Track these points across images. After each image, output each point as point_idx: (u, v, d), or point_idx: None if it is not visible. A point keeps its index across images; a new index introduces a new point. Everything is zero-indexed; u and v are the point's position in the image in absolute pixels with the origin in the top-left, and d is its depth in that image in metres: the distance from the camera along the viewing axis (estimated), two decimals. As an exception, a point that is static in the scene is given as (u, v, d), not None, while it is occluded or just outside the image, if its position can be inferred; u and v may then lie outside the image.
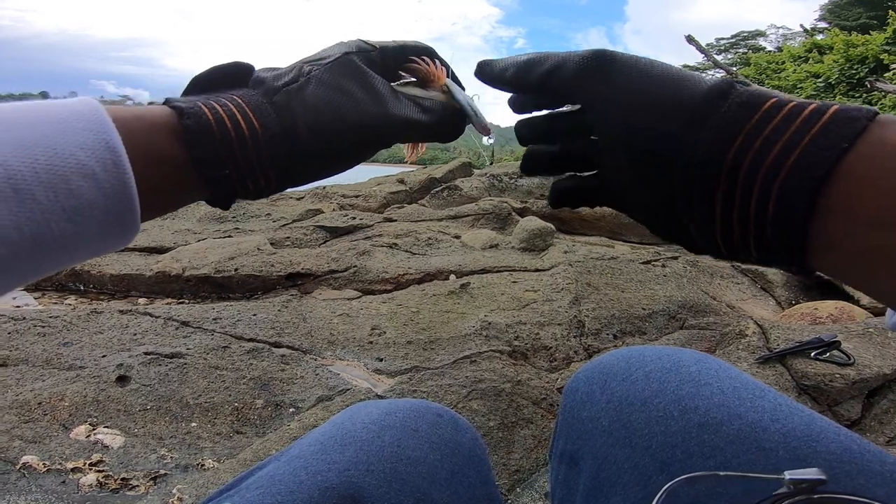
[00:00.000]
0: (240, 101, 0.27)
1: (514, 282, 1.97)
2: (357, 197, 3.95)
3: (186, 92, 0.28)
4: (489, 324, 1.48)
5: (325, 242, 2.63)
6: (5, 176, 0.19)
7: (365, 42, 0.32)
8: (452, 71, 0.36)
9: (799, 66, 9.72)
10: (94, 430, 1.05)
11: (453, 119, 0.34)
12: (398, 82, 0.34)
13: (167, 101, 0.26)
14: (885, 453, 0.29)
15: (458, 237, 2.76)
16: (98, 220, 0.22)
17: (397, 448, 0.37)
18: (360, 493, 0.33)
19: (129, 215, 0.23)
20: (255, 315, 1.50)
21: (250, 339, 1.32)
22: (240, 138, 0.26)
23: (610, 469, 0.35)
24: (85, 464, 0.95)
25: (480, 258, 2.31)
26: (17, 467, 0.92)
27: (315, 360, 1.27)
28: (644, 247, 2.76)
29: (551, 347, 1.50)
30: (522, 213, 3.22)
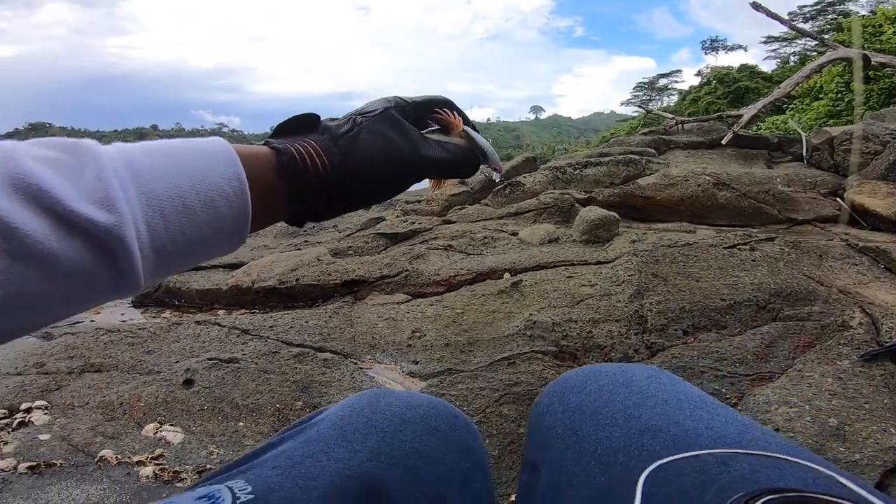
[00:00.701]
0: (315, 144, 0.34)
1: (570, 277, 1.84)
2: (419, 202, 4.02)
3: (274, 135, 0.36)
4: (534, 323, 1.39)
5: (385, 249, 2.69)
6: (179, 194, 0.27)
7: (401, 98, 0.40)
8: (468, 119, 0.44)
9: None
10: (160, 427, 1.16)
11: (470, 159, 0.42)
12: (427, 130, 0.41)
13: (267, 143, 0.34)
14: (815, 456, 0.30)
15: (515, 234, 2.67)
16: (227, 231, 0.30)
17: (419, 444, 0.38)
18: (381, 485, 0.34)
19: (244, 228, 0.31)
20: (306, 322, 1.57)
21: (298, 345, 1.38)
22: (316, 172, 0.33)
23: (561, 473, 0.36)
24: (148, 457, 1.05)
25: (537, 254, 2.20)
26: (95, 460, 1.04)
27: (354, 363, 1.28)
28: (732, 230, 2.44)
29: (605, 346, 1.37)
30: (587, 204, 3.03)
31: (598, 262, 2.03)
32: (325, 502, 0.31)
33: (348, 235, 3.06)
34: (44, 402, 1.25)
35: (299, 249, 2.74)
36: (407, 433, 0.38)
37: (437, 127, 0.42)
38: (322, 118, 0.38)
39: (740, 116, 3.83)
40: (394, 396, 0.43)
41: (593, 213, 2.42)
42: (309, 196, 0.33)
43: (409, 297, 1.88)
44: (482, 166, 0.44)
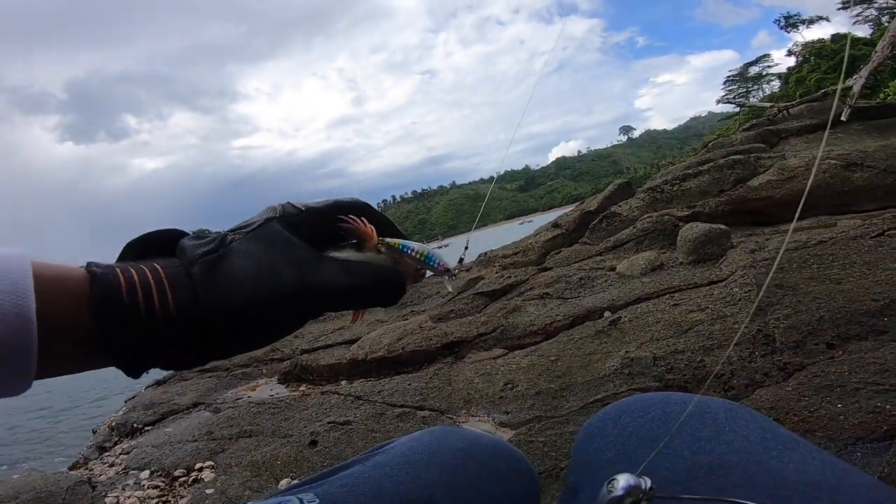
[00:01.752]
0: (159, 269, 0.26)
1: (675, 305, 1.68)
2: (516, 254, 4.04)
3: (120, 257, 0.29)
4: (631, 360, 1.29)
5: (485, 308, 2.75)
6: None
7: (293, 205, 0.32)
8: (392, 223, 0.35)
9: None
10: (291, 482, 1.33)
11: (389, 279, 0.32)
12: (338, 245, 0.33)
13: (89, 265, 0.26)
14: None
15: (613, 269, 2.53)
16: None
17: (478, 481, 0.38)
18: None
19: (24, 365, 0.23)
20: (409, 385, 1.67)
21: (401, 406, 1.48)
22: (149, 309, 0.25)
23: None
24: None
25: (637, 286, 2.06)
26: None
27: (451, 418, 1.32)
28: (878, 214, 2.03)
29: (723, 374, 1.20)
30: (690, 220, 2.77)
31: (710, 283, 1.83)
32: None
33: (450, 300, 3.19)
34: (211, 463, 1.52)
35: (405, 319, 2.94)
36: (469, 468, 0.39)
37: (350, 241, 0.34)
38: (189, 234, 0.31)
39: (849, 88, 3.26)
40: (461, 434, 0.44)
41: (695, 229, 2.21)
42: (138, 339, 0.25)
43: (506, 351, 1.88)
44: (428, 276, 0.35)
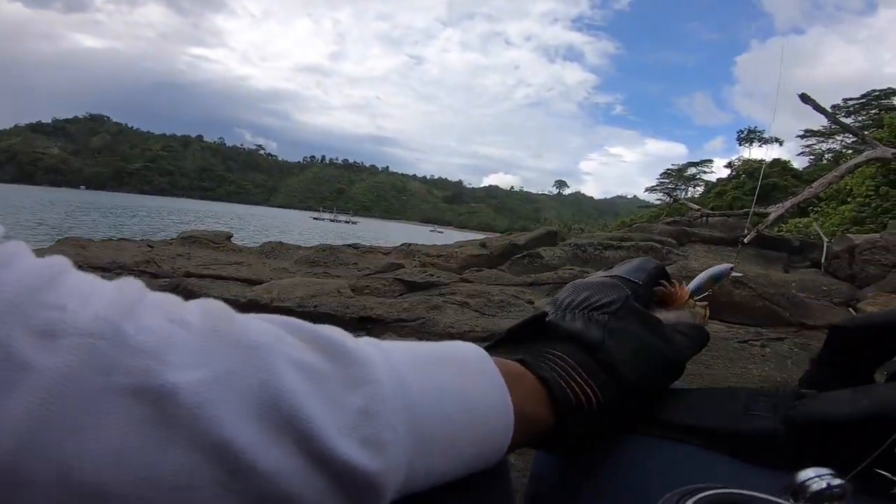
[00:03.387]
0: (574, 364, 0.30)
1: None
2: (439, 256, 4.13)
3: (503, 341, 0.33)
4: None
5: (401, 294, 2.76)
6: (450, 432, 0.24)
7: (632, 280, 0.36)
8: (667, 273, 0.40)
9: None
10: None
11: (705, 335, 0.38)
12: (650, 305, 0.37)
13: (523, 362, 0.29)
14: None
15: (531, 302, 2.72)
16: (483, 462, 0.26)
17: None
18: None
19: (498, 462, 0.27)
20: (322, 347, 1.62)
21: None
22: (589, 406, 0.29)
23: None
24: None
25: (550, 321, 2.24)
26: None
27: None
28: (743, 327, 2.47)
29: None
30: (603, 281, 3.09)
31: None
32: None
33: (367, 275, 3.15)
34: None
35: (318, 277, 2.83)
36: None
37: (655, 300, 0.38)
38: (549, 315, 0.33)
39: (767, 215, 3.91)
40: None
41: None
42: (576, 428, 0.29)
43: (423, 342, 1.92)
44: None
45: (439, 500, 0.25)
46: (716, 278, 0.42)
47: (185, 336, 0.18)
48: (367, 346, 0.23)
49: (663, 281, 0.38)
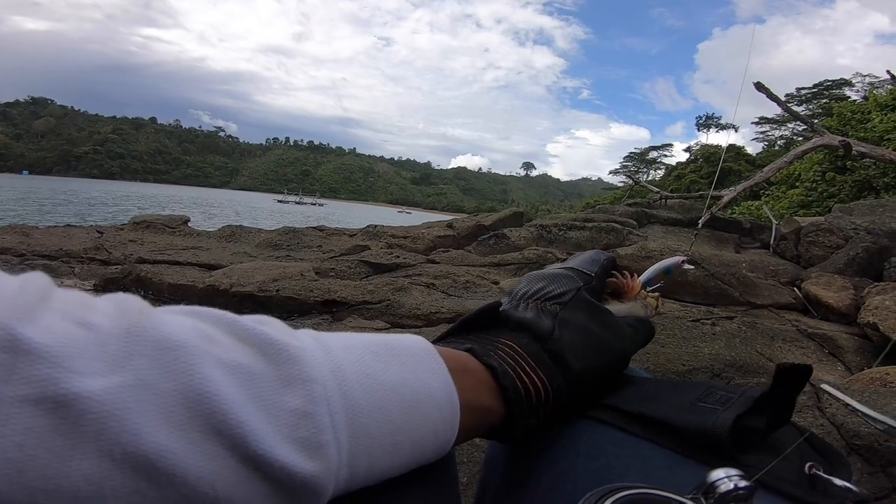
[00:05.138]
0: (522, 352, 0.30)
1: (545, 326, 1.92)
2: (406, 238, 4.10)
3: (455, 331, 0.32)
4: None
5: (366, 277, 2.72)
6: (391, 431, 0.23)
7: (584, 272, 0.36)
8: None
9: (886, 115, 8.88)
10: None
11: (651, 328, 0.39)
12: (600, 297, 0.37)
13: (471, 351, 0.29)
14: None
15: (496, 283, 2.74)
16: (427, 461, 0.25)
17: None
18: None
19: (445, 456, 0.27)
20: (283, 332, 1.58)
21: (273, 353, 1.39)
22: (538, 397, 0.29)
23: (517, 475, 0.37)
24: None
25: (515, 302, 2.27)
26: None
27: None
28: (696, 306, 2.58)
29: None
30: (567, 262, 3.16)
31: (572, 317, 2.12)
32: None
33: (332, 258, 3.08)
34: None
35: (280, 261, 2.76)
36: None
37: (608, 291, 0.38)
38: (503, 305, 0.33)
39: (721, 198, 4.09)
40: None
41: (572, 270, 2.53)
42: (524, 419, 0.29)
43: (389, 326, 1.91)
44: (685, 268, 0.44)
45: (381, 493, 0.24)
46: (666, 271, 0.42)
47: (94, 339, 0.17)
48: (305, 340, 0.22)
49: (615, 272, 0.38)
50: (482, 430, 0.29)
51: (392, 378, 0.23)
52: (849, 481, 0.25)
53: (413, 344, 0.26)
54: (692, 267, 0.44)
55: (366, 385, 0.22)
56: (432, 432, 0.24)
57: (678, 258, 0.44)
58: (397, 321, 1.98)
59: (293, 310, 2.02)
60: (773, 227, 3.61)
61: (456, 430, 0.26)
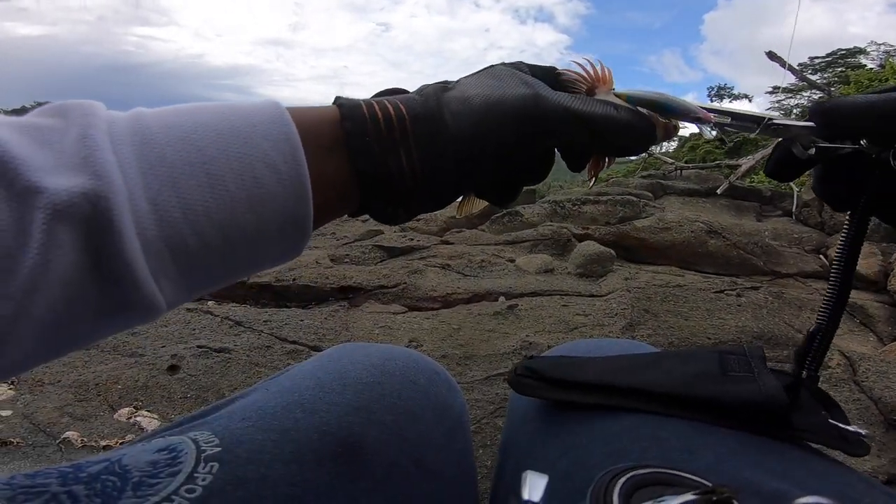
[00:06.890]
0: (395, 100, 0.26)
1: (565, 305, 1.89)
2: (418, 220, 4.07)
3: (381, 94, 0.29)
4: (530, 344, 1.42)
5: (381, 261, 2.71)
6: (201, 161, 0.20)
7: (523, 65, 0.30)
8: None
9: (908, 81, 8.58)
10: (136, 412, 1.14)
11: (647, 124, 0.28)
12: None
13: (336, 100, 0.26)
14: None
15: (512, 261, 2.71)
16: (277, 217, 0.22)
17: (398, 399, 0.34)
18: (359, 442, 0.30)
19: (303, 213, 0.23)
20: (302, 321, 1.58)
21: (292, 342, 1.39)
22: (385, 117, 0.25)
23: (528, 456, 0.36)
24: (117, 442, 1.03)
25: (532, 281, 2.24)
26: (57, 441, 1.02)
27: (350, 365, 1.30)
28: (719, 277, 2.52)
29: (597, 373, 1.40)
30: (583, 239, 3.10)
31: (592, 295, 2.08)
32: (299, 459, 0.28)
33: (346, 244, 3.08)
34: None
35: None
36: (386, 386, 0.35)
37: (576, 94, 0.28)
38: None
39: (738, 167, 3.97)
40: (372, 348, 0.40)
41: (591, 247, 2.48)
42: (373, 142, 0.24)
43: (406, 310, 1.90)
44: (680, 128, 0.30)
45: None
46: (668, 108, 0.27)
47: None
48: (105, 107, 0.21)
49: (576, 61, 0.29)
50: (344, 190, 0.25)
51: (204, 115, 0.22)
52: (849, 425, 0.26)
53: (251, 101, 0.24)
54: (714, 132, 0.29)
55: (166, 122, 0.21)
56: (263, 162, 0.21)
57: (700, 115, 0.28)
58: (414, 304, 1.97)
59: (310, 298, 2.02)
60: (795, 194, 3.51)
61: (302, 169, 0.22)
